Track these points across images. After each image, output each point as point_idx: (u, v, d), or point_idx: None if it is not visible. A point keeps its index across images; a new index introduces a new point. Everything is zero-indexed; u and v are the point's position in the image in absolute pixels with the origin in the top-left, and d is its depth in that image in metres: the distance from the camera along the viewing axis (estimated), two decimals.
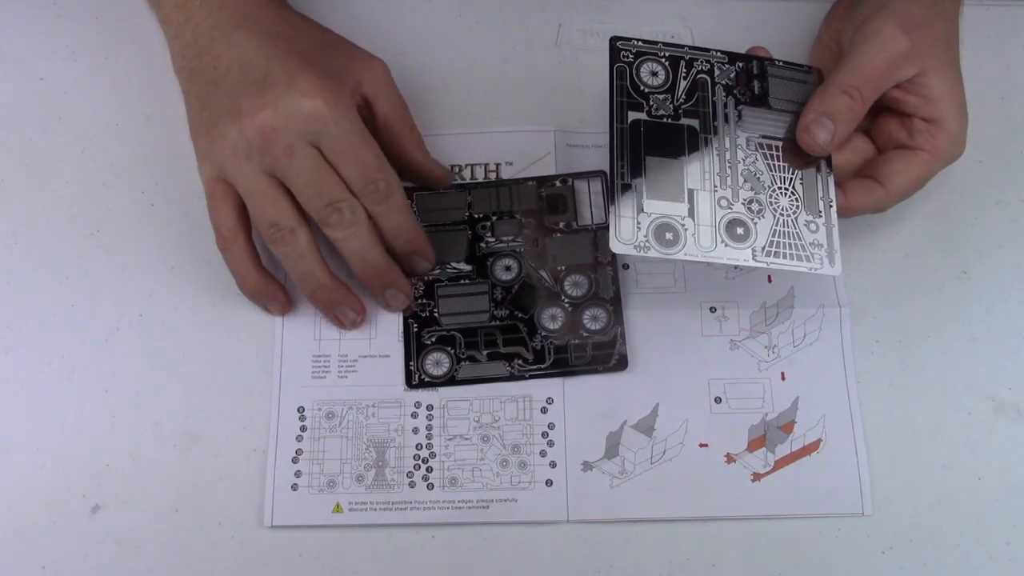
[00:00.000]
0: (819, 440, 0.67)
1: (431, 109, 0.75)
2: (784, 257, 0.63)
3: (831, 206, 0.65)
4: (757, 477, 0.66)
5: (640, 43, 0.67)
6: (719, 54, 0.68)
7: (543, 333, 0.69)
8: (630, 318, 0.69)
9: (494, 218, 0.71)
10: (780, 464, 0.66)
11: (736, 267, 0.70)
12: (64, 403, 0.68)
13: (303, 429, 0.67)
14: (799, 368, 0.69)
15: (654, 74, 0.66)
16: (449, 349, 0.69)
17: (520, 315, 0.69)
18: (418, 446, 0.67)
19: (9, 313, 0.70)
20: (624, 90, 0.65)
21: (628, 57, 0.66)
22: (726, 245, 0.63)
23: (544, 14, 0.77)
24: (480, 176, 0.73)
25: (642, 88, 0.66)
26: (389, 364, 0.69)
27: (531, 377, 0.68)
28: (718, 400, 0.68)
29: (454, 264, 0.71)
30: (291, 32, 0.68)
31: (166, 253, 0.71)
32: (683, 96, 0.66)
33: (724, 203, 0.64)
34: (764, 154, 0.66)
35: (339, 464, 0.67)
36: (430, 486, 0.66)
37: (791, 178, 0.65)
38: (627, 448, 0.67)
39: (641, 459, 0.66)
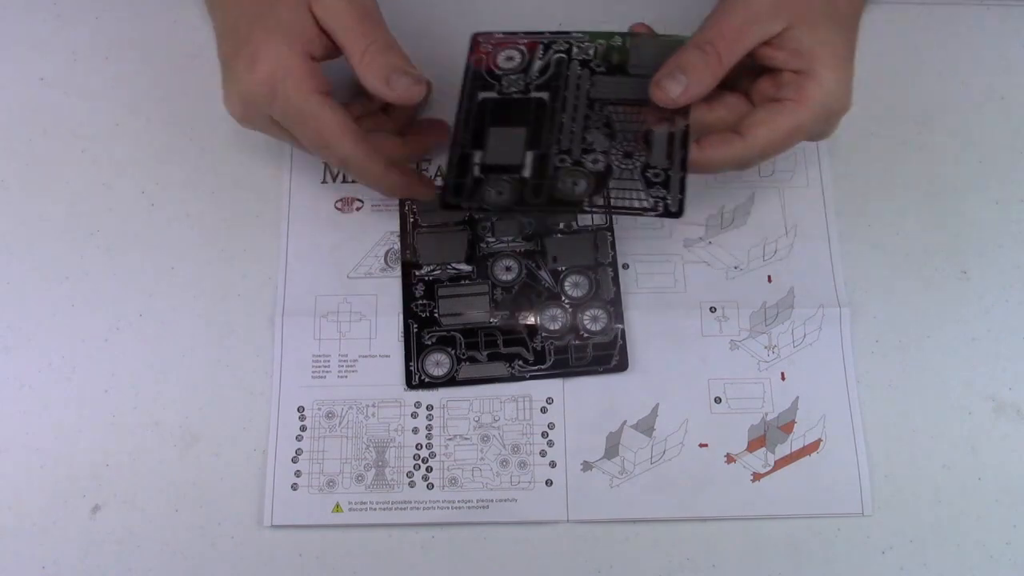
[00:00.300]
0: (819, 440, 0.67)
1: (431, 110, 0.75)
2: (624, 203, 0.63)
3: (680, 157, 0.64)
4: (757, 477, 0.66)
5: (501, 35, 0.69)
6: (579, 35, 0.69)
7: (543, 334, 0.69)
8: (630, 318, 0.69)
9: (494, 218, 0.71)
10: (780, 464, 0.66)
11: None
12: (64, 403, 0.68)
13: (303, 429, 0.67)
14: (799, 368, 0.69)
15: (509, 59, 0.68)
16: (449, 350, 0.69)
17: (520, 316, 0.69)
18: (418, 446, 0.67)
19: (9, 313, 0.70)
20: (477, 76, 0.67)
21: (487, 48, 0.68)
22: (558, 196, 0.63)
23: (544, 14, 0.77)
24: None
25: (496, 72, 0.67)
26: (389, 364, 0.69)
27: (531, 378, 0.68)
28: (718, 400, 0.68)
29: (454, 264, 0.71)
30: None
31: (166, 253, 0.71)
32: (536, 74, 0.67)
33: (563, 160, 0.64)
34: (616, 115, 0.65)
35: (339, 464, 0.67)
36: (430, 486, 0.66)
37: (642, 134, 0.65)
38: (627, 448, 0.67)
39: (641, 459, 0.66)
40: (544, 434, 0.67)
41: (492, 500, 0.66)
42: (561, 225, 0.71)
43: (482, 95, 0.66)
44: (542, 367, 0.68)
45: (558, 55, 0.68)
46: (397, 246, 0.71)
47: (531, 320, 0.69)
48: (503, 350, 0.69)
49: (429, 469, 0.67)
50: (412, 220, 0.71)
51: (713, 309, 0.70)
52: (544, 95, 0.66)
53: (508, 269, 0.70)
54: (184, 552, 0.65)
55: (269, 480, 0.66)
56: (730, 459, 0.67)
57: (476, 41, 0.69)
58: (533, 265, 0.70)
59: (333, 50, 0.65)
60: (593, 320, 0.69)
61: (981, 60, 0.76)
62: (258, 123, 0.66)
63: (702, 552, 0.65)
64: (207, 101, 0.72)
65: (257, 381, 0.68)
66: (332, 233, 0.71)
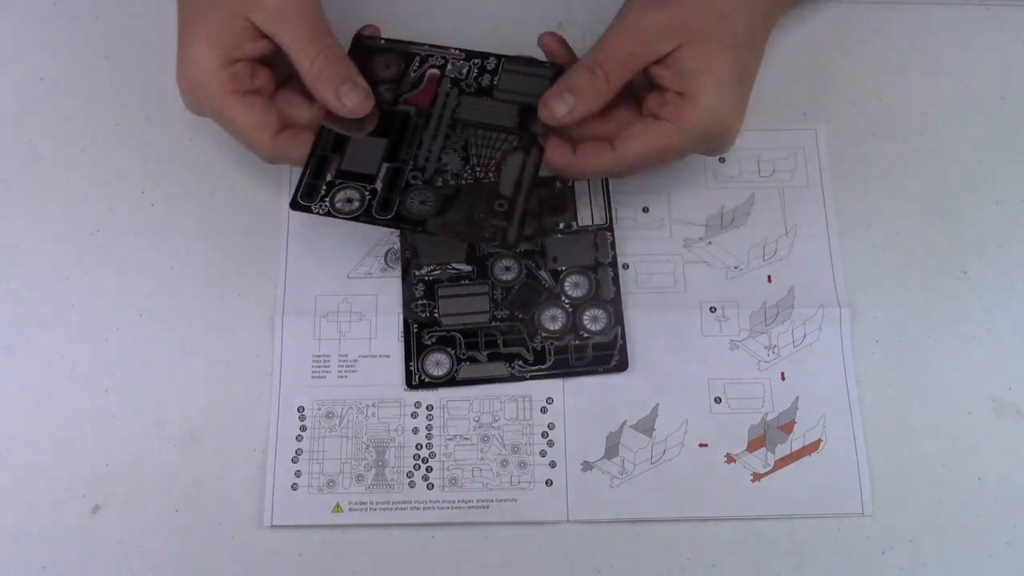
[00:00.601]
0: (819, 440, 0.67)
1: None
2: (463, 227, 0.64)
3: (526, 189, 0.65)
4: (757, 477, 0.66)
5: (384, 41, 0.70)
6: (456, 51, 0.70)
7: (543, 334, 0.69)
8: (630, 318, 0.69)
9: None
10: (780, 464, 0.66)
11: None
12: (64, 403, 0.68)
13: (303, 429, 0.67)
14: (799, 368, 0.69)
15: (387, 67, 0.69)
16: (449, 350, 0.69)
17: (520, 316, 0.69)
18: (418, 446, 0.67)
19: (9, 313, 0.70)
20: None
21: (365, 53, 0.69)
22: (403, 213, 0.64)
23: (544, 14, 0.77)
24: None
25: (372, 79, 0.68)
26: (389, 364, 0.69)
27: (531, 378, 0.68)
28: (718, 400, 0.68)
29: (454, 264, 0.71)
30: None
31: (166, 253, 0.71)
32: (409, 87, 0.68)
33: (415, 178, 0.65)
34: (474, 139, 0.67)
35: (339, 464, 0.67)
36: (430, 486, 0.66)
37: (497, 162, 0.66)
38: (627, 448, 0.67)
39: (641, 459, 0.66)
40: (544, 434, 0.67)
41: (492, 500, 0.66)
42: (561, 225, 0.71)
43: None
44: (542, 367, 0.68)
45: (432, 70, 0.69)
46: (397, 246, 0.71)
47: (531, 320, 0.69)
48: (503, 350, 0.69)
49: (429, 469, 0.67)
50: None
51: (713, 309, 0.70)
52: (411, 109, 0.68)
53: (508, 269, 0.70)
54: (184, 552, 0.65)
55: (269, 480, 0.66)
56: (730, 459, 0.67)
57: (359, 44, 0.70)
58: (533, 265, 0.70)
59: (275, 51, 0.66)
60: (593, 320, 0.69)
61: (981, 60, 0.76)
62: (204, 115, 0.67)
63: (702, 552, 0.65)
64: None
65: (257, 381, 0.68)
66: (332, 233, 0.71)
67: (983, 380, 0.68)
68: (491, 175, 0.66)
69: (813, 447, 0.67)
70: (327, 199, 0.64)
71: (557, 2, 0.77)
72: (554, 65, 0.69)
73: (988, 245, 0.71)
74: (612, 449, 0.67)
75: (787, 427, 0.67)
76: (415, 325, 0.69)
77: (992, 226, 0.72)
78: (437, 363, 0.69)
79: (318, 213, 0.64)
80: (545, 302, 0.70)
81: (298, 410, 0.68)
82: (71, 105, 0.74)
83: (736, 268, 0.71)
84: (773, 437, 0.67)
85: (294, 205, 0.64)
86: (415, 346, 0.69)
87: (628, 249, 0.71)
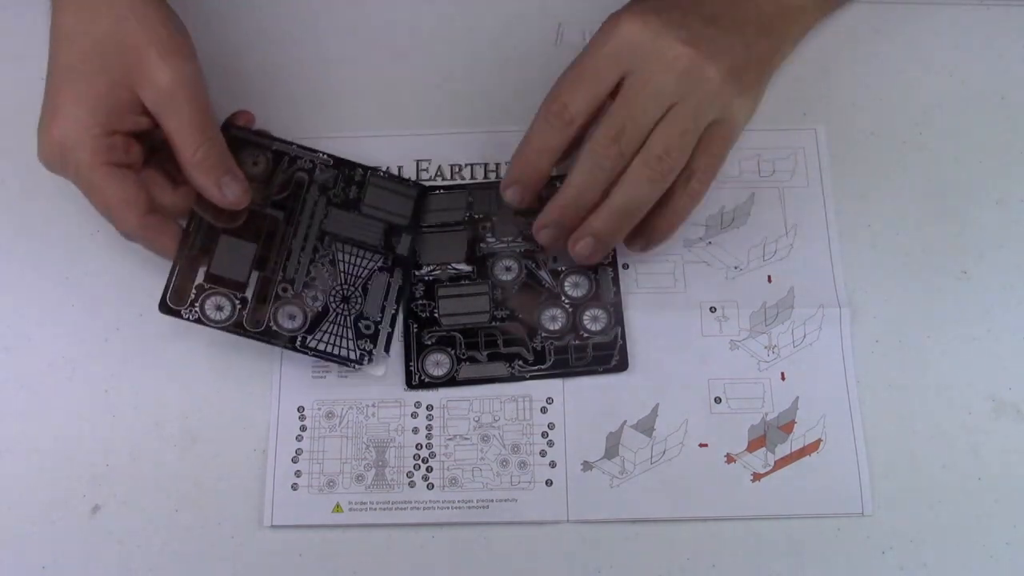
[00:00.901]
0: (819, 440, 0.67)
1: (431, 109, 0.75)
2: (328, 348, 0.67)
3: (392, 313, 0.68)
4: (757, 477, 0.66)
5: (252, 133, 0.70)
6: (325, 156, 0.71)
7: (543, 334, 0.69)
8: (630, 318, 0.69)
9: (494, 219, 0.71)
10: (780, 464, 0.66)
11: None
12: (64, 403, 0.68)
13: (303, 429, 0.67)
14: (799, 368, 0.69)
15: (255, 163, 0.70)
16: (449, 350, 0.69)
17: (520, 316, 0.69)
18: (418, 446, 0.67)
19: (9, 313, 0.70)
20: None
21: (234, 142, 0.69)
22: (273, 328, 0.66)
23: (544, 14, 0.77)
24: (480, 176, 0.73)
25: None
26: (389, 364, 0.69)
27: (531, 378, 0.68)
28: (718, 400, 0.68)
29: (455, 264, 0.71)
30: (76, 29, 0.65)
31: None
32: (277, 188, 0.69)
33: (285, 290, 0.67)
34: (342, 254, 0.69)
35: (339, 464, 0.67)
36: (430, 486, 0.66)
37: (361, 280, 0.68)
38: (627, 448, 0.67)
39: (641, 459, 0.66)
40: (544, 434, 0.67)
41: (492, 500, 0.66)
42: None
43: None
44: (542, 367, 0.68)
45: (300, 173, 0.70)
46: None
47: (531, 320, 0.69)
48: (503, 350, 0.69)
49: (429, 469, 0.67)
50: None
51: (713, 309, 0.70)
52: (280, 214, 0.69)
53: (508, 269, 0.70)
54: (184, 552, 0.65)
55: (269, 480, 0.66)
56: (730, 459, 0.67)
57: (227, 132, 0.69)
58: (533, 265, 0.70)
59: (151, 127, 0.65)
60: (593, 320, 0.69)
61: (981, 60, 0.76)
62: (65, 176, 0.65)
63: (702, 552, 0.65)
64: (212, 100, 0.72)
65: (257, 381, 0.68)
66: None
67: (983, 380, 0.68)
68: (358, 293, 0.68)
69: (813, 447, 0.67)
70: (196, 304, 0.66)
71: (557, 2, 0.77)
72: (417, 184, 0.71)
73: (988, 245, 0.71)
74: (612, 449, 0.67)
75: (787, 427, 0.67)
76: (415, 325, 0.69)
77: (992, 226, 0.72)
78: (437, 363, 0.69)
79: (188, 319, 0.66)
80: (545, 302, 0.70)
81: (298, 410, 0.68)
82: None
83: (736, 268, 0.71)
84: (773, 437, 0.67)
85: (162, 308, 0.66)
86: (415, 346, 0.69)
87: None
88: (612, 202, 0.64)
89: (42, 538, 0.66)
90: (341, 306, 0.68)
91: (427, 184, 0.72)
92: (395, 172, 0.73)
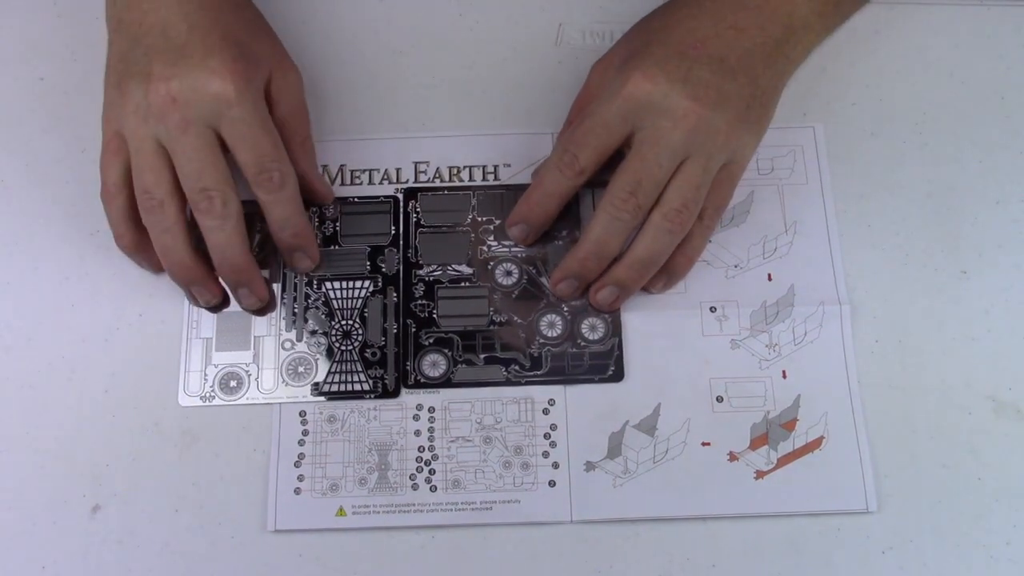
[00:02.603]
0: (821, 437, 0.67)
1: (430, 109, 0.75)
2: (342, 388, 0.68)
3: (394, 332, 0.69)
4: (760, 475, 0.66)
5: None
6: None
7: (540, 340, 0.69)
8: (630, 319, 0.69)
9: (497, 222, 0.71)
10: (783, 462, 0.67)
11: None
12: (64, 403, 0.68)
13: (305, 433, 0.67)
14: (800, 366, 0.69)
15: None
16: (446, 351, 0.69)
17: (518, 321, 0.69)
18: (420, 448, 0.67)
19: (9, 313, 0.70)
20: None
21: None
22: (287, 384, 0.68)
23: (544, 14, 0.77)
24: (479, 178, 0.73)
25: None
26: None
27: (527, 383, 0.68)
28: (720, 399, 0.68)
29: (455, 267, 0.70)
30: (220, 4, 0.67)
31: None
32: (257, 248, 0.70)
33: (288, 345, 0.69)
34: (333, 292, 0.70)
35: (341, 468, 0.67)
36: (433, 488, 0.66)
37: (357, 311, 0.69)
38: (629, 448, 0.67)
39: (644, 459, 0.66)
40: (546, 435, 0.67)
41: (495, 502, 0.66)
42: (564, 232, 0.71)
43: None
44: (538, 373, 0.68)
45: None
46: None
47: (529, 325, 0.69)
48: (500, 354, 0.69)
49: (432, 471, 0.66)
50: (415, 219, 0.71)
51: (713, 309, 0.70)
52: (265, 272, 0.70)
53: (509, 273, 0.70)
54: (184, 553, 0.65)
55: (272, 485, 0.66)
56: (733, 457, 0.67)
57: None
58: (534, 271, 0.70)
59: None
60: (591, 329, 0.69)
61: (981, 60, 0.76)
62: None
63: (706, 551, 0.65)
64: None
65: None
66: None
67: (983, 380, 0.68)
68: (357, 325, 0.69)
69: (815, 444, 0.67)
70: (213, 385, 0.68)
71: (557, 2, 0.77)
72: (391, 197, 0.72)
73: (988, 245, 0.71)
74: (615, 449, 0.67)
75: (789, 425, 0.67)
76: (413, 325, 0.69)
77: (992, 226, 0.72)
78: (434, 364, 0.69)
79: (207, 404, 0.68)
80: (544, 308, 0.70)
81: (300, 414, 0.68)
82: (71, 105, 0.74)
83: (736, 267, 0.71)
84: (775, 435, 0.67)
85: (183, 400, 0.68)
86: (412, 346, 0.69)
87: None
88: (635, 254, 0.66)
89: (42, 538, 0.65)
90: (344, 342, 0.69)
91: (413, 187, 0.73)
92: (377, 176, 0.73)
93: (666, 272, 0.69)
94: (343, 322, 0.69)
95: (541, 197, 0.68)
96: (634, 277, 0.67)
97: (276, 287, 0.69)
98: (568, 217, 0.71)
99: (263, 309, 0.69)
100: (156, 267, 0.69)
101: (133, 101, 0.64)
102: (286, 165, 0.65)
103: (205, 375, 0.68)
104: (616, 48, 0.71)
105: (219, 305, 0.69)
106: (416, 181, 0.73)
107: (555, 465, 0.67)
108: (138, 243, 0.67)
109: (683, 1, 0.69)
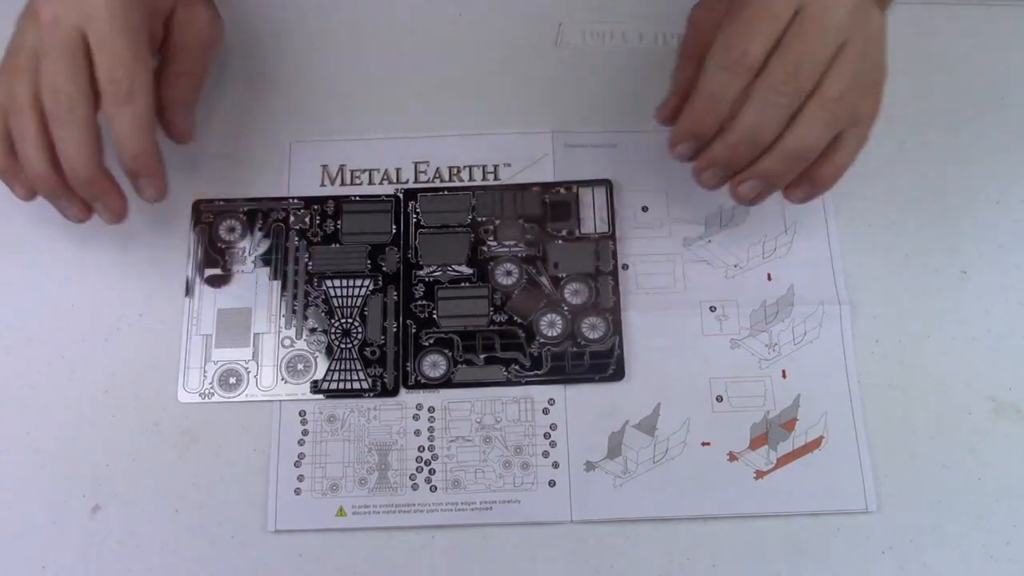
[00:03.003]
0: (821, 437, 0.67)
1: (430, 109, 0.75)
2: (342, 386, 0.68)
3: (393, 332, 0.69)
4: (760, 475, 0.66)
5: (221, 202, 0.72)
6: (295, 200, 0.72)
7: (540, 339, 0.69)
8: (630, 319, 0.69)
9: (497, 222, 0.71)
10: (783, 462, 0.67)
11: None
12: (64, 403, 0.68)
13: (305, 433, 0.67)
14: (800, 365, 0.69)
15: (231, 230, 0.71)
16: (447, 351, 0.69)
17: (519, 320, 0.69)
18: (420, 448, 0.67)
19: (9, 313, 0.70)
20: (204, 249, 0.70)
21: (209, 218, 0.71)
22: (286, 382, 0.68)
23: (544, 14, 0.77)
24: (479, 178, 0.73)
25: (220, 245, 0.70)
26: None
27: (527, 383, 0.68)
28: (720, 399, 0.68)
29: (455, 267, 0.70)
30: None
31: (166, 253, 0.71)
32: (257, 246, 0.71)
33: (287, 342, 0.69)
34: (333, 289, 0.70)
35: (341, 467, 0.67)
36: (433, 488, 0.66)
37: (357, 309, 0.69)
38: (629, 448, 0.67)
39: (644, 458, 0.66)
40: (546, 435, 0.67)
41: (496, 501, 0.66)
42: (564, 232, 0.71)
43: (208, 272, 0.70)
44: (538, 372, 0.68)
45: (276, 224, 0.71)
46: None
47: (529, 325, 0.69)
48: (500, 354, 0.69)
49: (432, 471, 0.66)
50: (415, 220, 0.71)
51: (713, 308, 0.70)
52: (267, 271, 0.70)
53: (508, 273, 0.70)
54: (184, 553, 0.65)
55: (272, 485, 0.66)
56: (733, 457, 0.67)
57: (198, 210, 0.71)
58: (534, 270, 0.70)
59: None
60: (592, 328, 0.69)
61: (981, 60, 0.76)
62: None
63: (705, 551, 0.65)
64: (207, 100, 0.72)
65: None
66: None
67: (983, 380, 0.69)
68: (357, 323, 0.69)
69: (815, 444, 0.67)
70: (212, 383, 0.68)
71: (557, 2, 0.77)
72: (392, 196, 0.72)
73: (988, 245, 0.71)
74: (615, 449, 0.67)
75: (789, 424, 0.67)
76: (413, 326, 0.69)
77: (992, 226, 0.72)
78: (434, 364, 0.69)
79: (205, 400, 0.68)
80: (544, 308, 0.70)
81: (299, 414, 0.68)
82: None
83: (736, 266, 0.71)
84: (775, 435, 0.67)
85: (182, 396, 0.68)
86: (412, 347, 0.69)
87: (627, 249, 0.71)
88: (786, 144, 0.61)
89: (42, 538, 0.65)
90: (344, 340, 0.69)
91: (413, 187, 0.73)
92: (377, 176, 0.73)
93: (808, 181, 0.64)
94: (343, 320, 0.69)
95: (709, 103, 0.61)
96: (783, 170, 0.62)
97: (275, 284, 0.69)
98: (568, 217, 0.71)
99: (121, 215, 0.66)
100: (26, 191, 0.66)
101: (28, 24, 0.64)
102: (140, 80, 0.62)
103: (204, 371, 0.68)
104: None
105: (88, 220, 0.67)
106: (416, 181, 0.73)
107: (555, 465, 0.67)
108: (7, 167, 0.65)
109: None
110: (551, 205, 0.72)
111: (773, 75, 0.59)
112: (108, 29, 0.61)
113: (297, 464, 0.67)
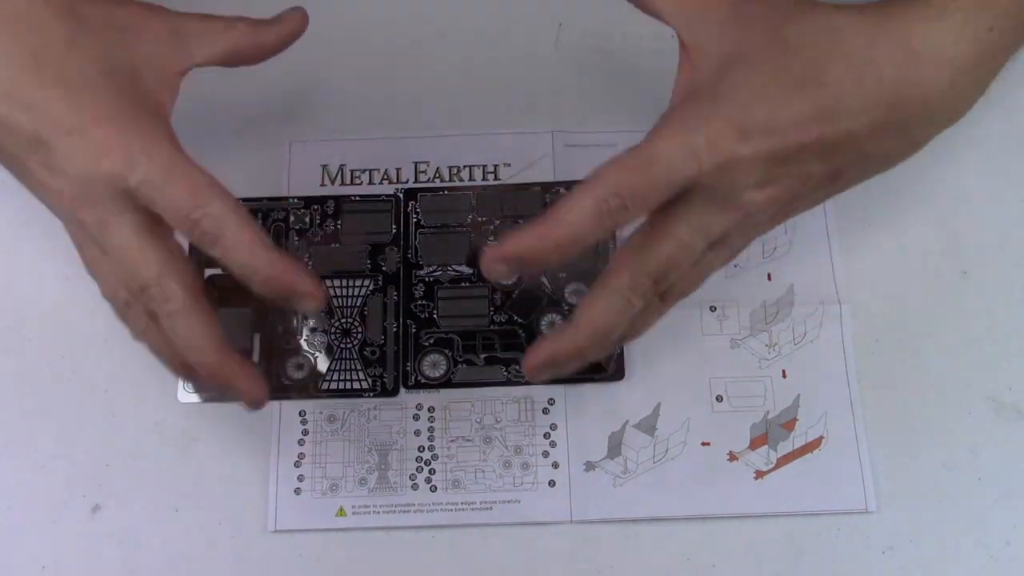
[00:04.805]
0: (821, 437, 0.67)
1: (430, 109, 0.75)
2: (341, 386, 0.68)
3: (394, 331, 0.69)
4: (760, 475, 0.66)
5: None
6: (295, 201, 0.71)
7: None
8: None
9: (497, 222, 0.71)
10: (782, 462, 0.67)
11: None
12: (64, 403, 0.68)
13: (304, 433, 0.67)
14: (800, 365, 0.69)
15: None
16: (446, 351, 0.69)
17: (519, 320, 0.69)
18: (420, 448, 0.67)
19: (8, 313, 0.70)
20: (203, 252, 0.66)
21: None
22: (286, 383, 0.68)
23: (544, 14, 0.77)
24: (479, 178, 0.73)
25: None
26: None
27: (528, 383, 0.68)
28: (719, 399, 0.68)
29: (455, 267, 0.70)
30: (65, 40, 0.54)
31: None
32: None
33: (288, 343, 0.68)
34: (333, 288, 0.70)
35: (341, 468, 0.67)
36: (433, 488, 0.66)
37: (357, 309, 0.69)
38: (629, 447, 0.67)
39: (644, 458, 0.66)
40: (546, 435, 0.67)
41: (496, 502, 0.66)
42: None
43: (208, 272, 0.68)
44: None
45: (276, 224, 0.71)
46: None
47: (530, 325, 0.69)
48: (500, 354, 0.69)
49: (432, 471, 0.66)
50: (415, 220, 0.71)
51: (713, 308, 0.70)
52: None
53: None
54: (184, 553, 0.65)
55: (272, 485, 0.66)
56: (733, 457, 0.67)
57: None
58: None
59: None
60: None
61: None
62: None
63: (705, 551, 0.65)
64: (207, 100, 0.72)
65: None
66: None
67: (983, 380, 0.68)
68: (356, 323, 0.69)
69: (815, 444, 0.67)
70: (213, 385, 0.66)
71: (557, 2, 0.77)
72: (392, 195, 0.71)
73: (988, 245, 0.71)
74: (615, 449, 0.67)
75: (789, 424, 0.67)
76: (413, 326, 0.69)
77: (992, 226, 0.72)
78: (434, 364, 0.69)
79: (207, 401, 0.68)
80: (545, 308, 0.70)
81: (299, 414, 0.68)
82: None
83: (736, 266, 0.71)
84: (775, 435, 0.67)
85: (183, 397, 0.67)
86: (412, 348, 0.69)
87: None
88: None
89: (42, 538, 0.65)
90: (343, 340, 0.69)
91: (412, 187, 0.73)
92: (377, 176, 0.73)
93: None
94: (343, 320, 0.69)
95: (566, 241, 0.53)
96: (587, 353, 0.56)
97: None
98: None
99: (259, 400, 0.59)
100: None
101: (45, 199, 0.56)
102: (214, 206, 0.53)
103: None
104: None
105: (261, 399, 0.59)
106: (416, 181, 0.73)
107: (555, 465, 0.67)
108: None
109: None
110: (551, 205, 0.71)
111: (638, 276, 0.54)
112: (150, 183, 0.52)
113: (297, 464, 0.67)
